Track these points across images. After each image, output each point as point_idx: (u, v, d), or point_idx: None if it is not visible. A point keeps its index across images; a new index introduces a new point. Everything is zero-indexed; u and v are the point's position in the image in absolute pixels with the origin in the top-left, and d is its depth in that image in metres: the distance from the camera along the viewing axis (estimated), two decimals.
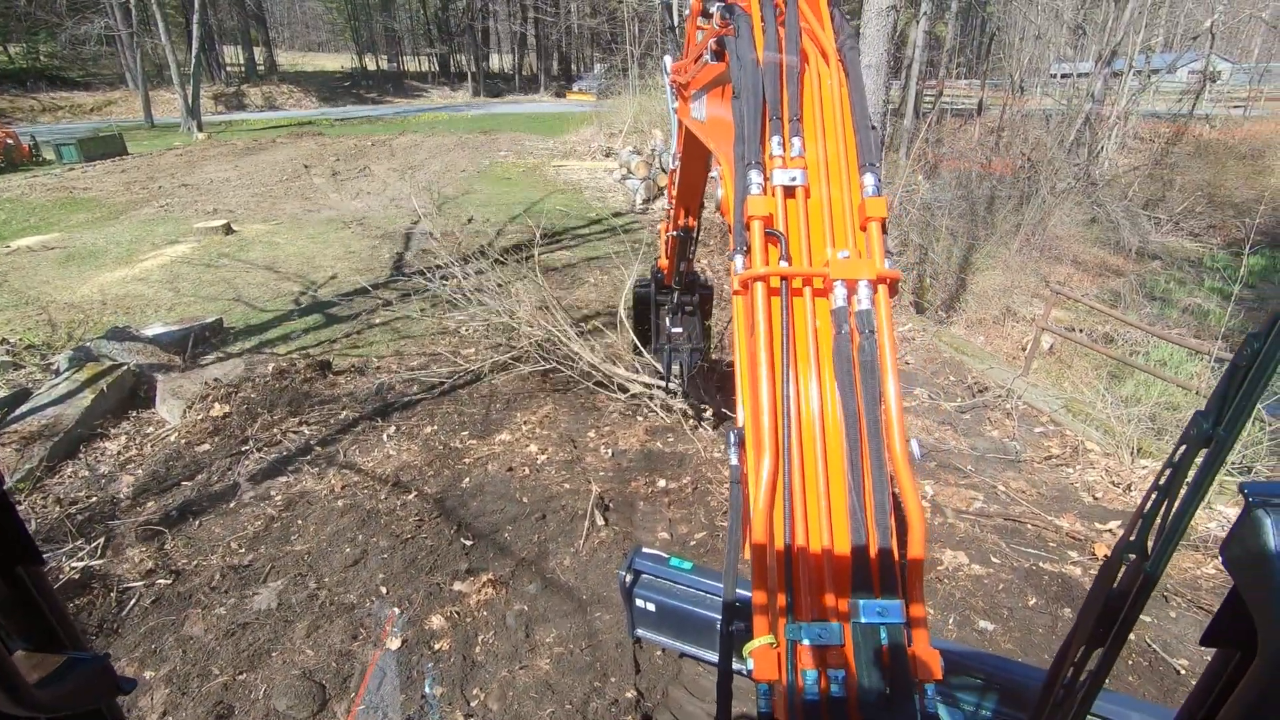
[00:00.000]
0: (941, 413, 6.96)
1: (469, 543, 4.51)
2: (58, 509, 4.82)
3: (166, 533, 4.60)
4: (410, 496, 5.01)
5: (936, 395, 7.36)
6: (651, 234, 11.63)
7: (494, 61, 60.13)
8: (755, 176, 1.66)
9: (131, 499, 5.03)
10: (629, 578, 2.76)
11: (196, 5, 28.33)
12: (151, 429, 6.06)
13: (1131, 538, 1.03)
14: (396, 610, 3.68)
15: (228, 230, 12.61)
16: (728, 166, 1.90)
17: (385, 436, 5.81)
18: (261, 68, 48.67)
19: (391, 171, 18.80)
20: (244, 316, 8.74)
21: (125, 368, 6.49)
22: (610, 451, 5.67)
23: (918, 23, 21.04)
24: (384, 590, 4.07)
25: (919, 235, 14.04)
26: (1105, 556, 1.16)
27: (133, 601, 3.97)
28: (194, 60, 28.73)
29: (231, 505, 4.95)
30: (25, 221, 14.16)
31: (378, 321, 7.49)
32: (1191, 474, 0.91)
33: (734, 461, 1.67)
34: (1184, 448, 0.96)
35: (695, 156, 4.16)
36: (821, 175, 1.72)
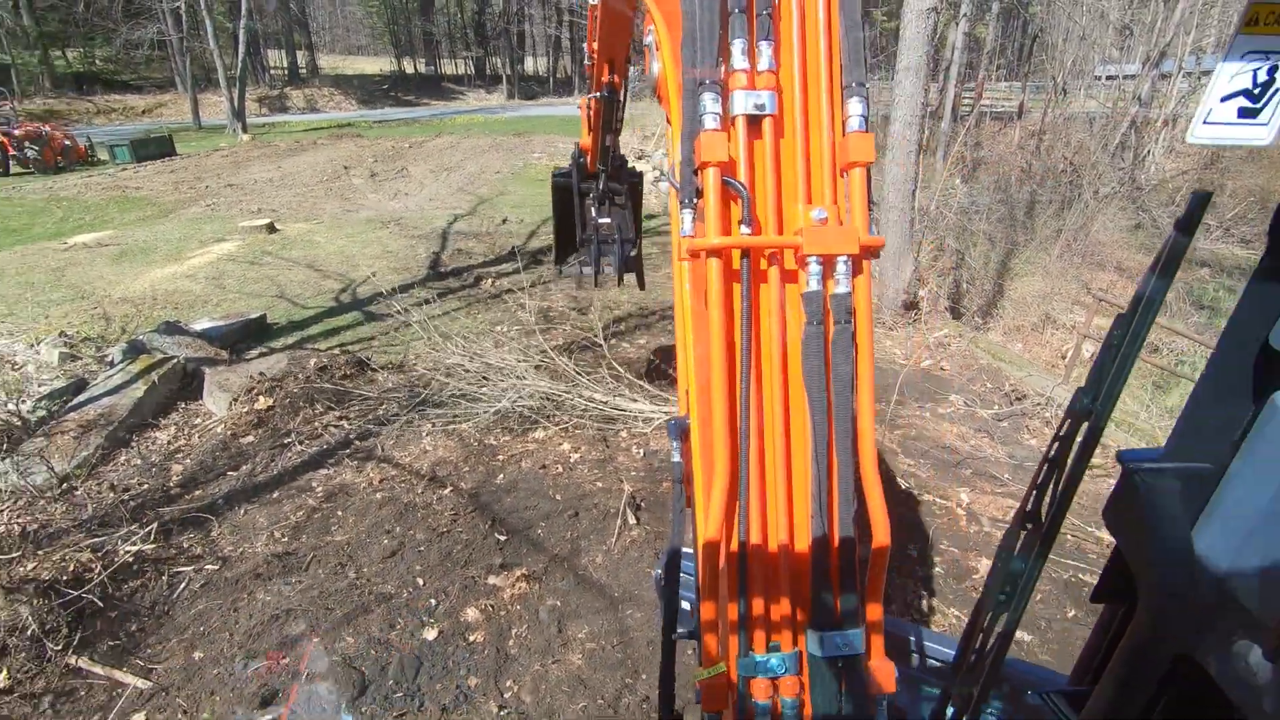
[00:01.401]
0: (978, 420, 6.86)
1: (503, 538, 4.59)
2: (112, 494, 5.03)
3: (213, 520, 4.77)
4: (446, 491, 5.11)
5: (973, 402, 7.25)
6: None
7: (529, 64, 60.74)
8: (710, 102, 1.26)
9: (180, 487, 5.22)
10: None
11: (244, 11, 29.17)
12: (199, 420, 6.27)
13: (1028, 508, 1.08)
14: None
15: (271, 229, 12.97)
16: (673, 66, 1.46)
17: (423, 432, 5.93)
18: (304, 71, 49.90)
19: (428, 173, 19.13)
20: (286, 313, 8.98)
21: (175, 361, 6.73)
22: (642, 451, 5.71)
23: (957, 24, 20.73)
24: (420, 582, 4.16)
25: (956, 240, 13.83)
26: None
27: (183, 585, 4.12)
28: (240, 64, 29.59)
29: (275, 495, 5.11)
30: (81, 219, 14.74)
31: (415, 319, 7.64)
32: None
33: (676, 458, 1.47)
34: (1068, 422, 1.01)
35: None
36: (796, 100, 1.32)
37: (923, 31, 7.65)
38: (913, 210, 8.37)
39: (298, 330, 8.45)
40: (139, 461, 5.57)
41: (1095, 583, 1.02)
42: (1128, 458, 0.87)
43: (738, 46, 1.28)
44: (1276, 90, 0.90)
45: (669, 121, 1.52)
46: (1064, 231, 15.73)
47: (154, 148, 23.12)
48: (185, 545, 4.49)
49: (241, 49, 29.85)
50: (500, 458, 5.59)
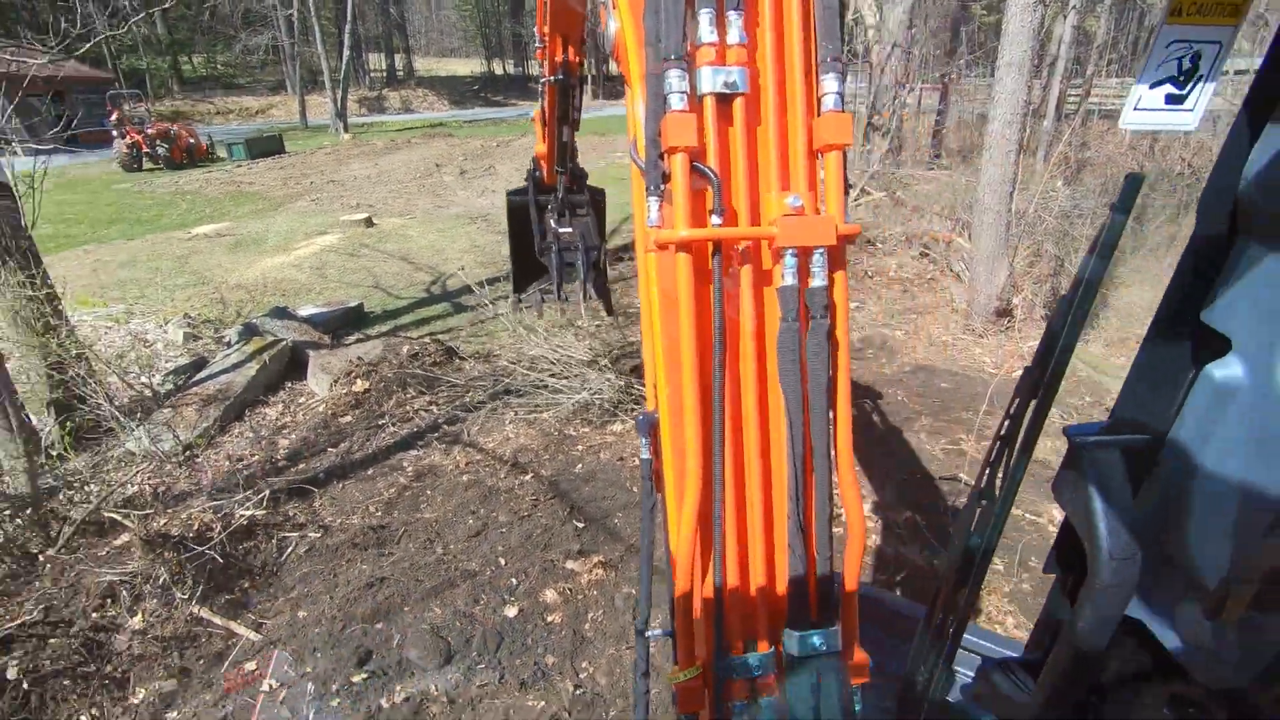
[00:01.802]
0: None
1: (581, 525, 4.72)
2: (228, 463, 5.48)
3: (315, 492, 5.12)
4: (527, 477, 5.29)
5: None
6: None
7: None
8: (677, 79, 1.15)
9: (287, 460, 5.63)
10: None
11: (349, 17, 30.86)
12: (303, 399, 6.73)
13: (981, 486, 1.10)
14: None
15: (368, 223, 13.70)
16: (634, 38, 1.34)
17: (506, 420, 6.16)
18: (400, 73, 52.27)
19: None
20: (381, 302, 9.48)
21: (284, 343, 7.24)
22: None
23: (1065, 17, 19.58)
24: (502, 562, 4.34)
25: (1055, 246, 13.11)
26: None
27: (289, 549, 4.46)
28: (344, 67, 31.32)
29: (369, 472, 5.43)
30: (203, 211, 16.01)
31: (501, 312, 7.93)
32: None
33: (644, 455, 1.48)
34: (1017, 400, 1.04)
35: None
36: (769, 76, 1.23)
37: (1028, 26, 7.31)
38: (1009, 213, 8.01)
39: (391, 319, 8.91)
40: (250, 434, 6.03)
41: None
42: (1073, 432, 0.89)
43: (705, 17, 1.15)
44: (1199, 77, 0.92)
45: (628, 84, 1.40)
46: (1178, 239, 14.64)
47: (266, 146, 24.80)
48: (291, 513, 4.84)
49: (345, 53, 31.61)
50: (579, 448, 5.74)
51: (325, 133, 31.04)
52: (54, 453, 5.47)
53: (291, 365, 7.21)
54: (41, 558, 4.02)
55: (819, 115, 1.22)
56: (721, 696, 1.29)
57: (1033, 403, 1.03)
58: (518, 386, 6.61)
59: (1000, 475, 1.09)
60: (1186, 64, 0.92)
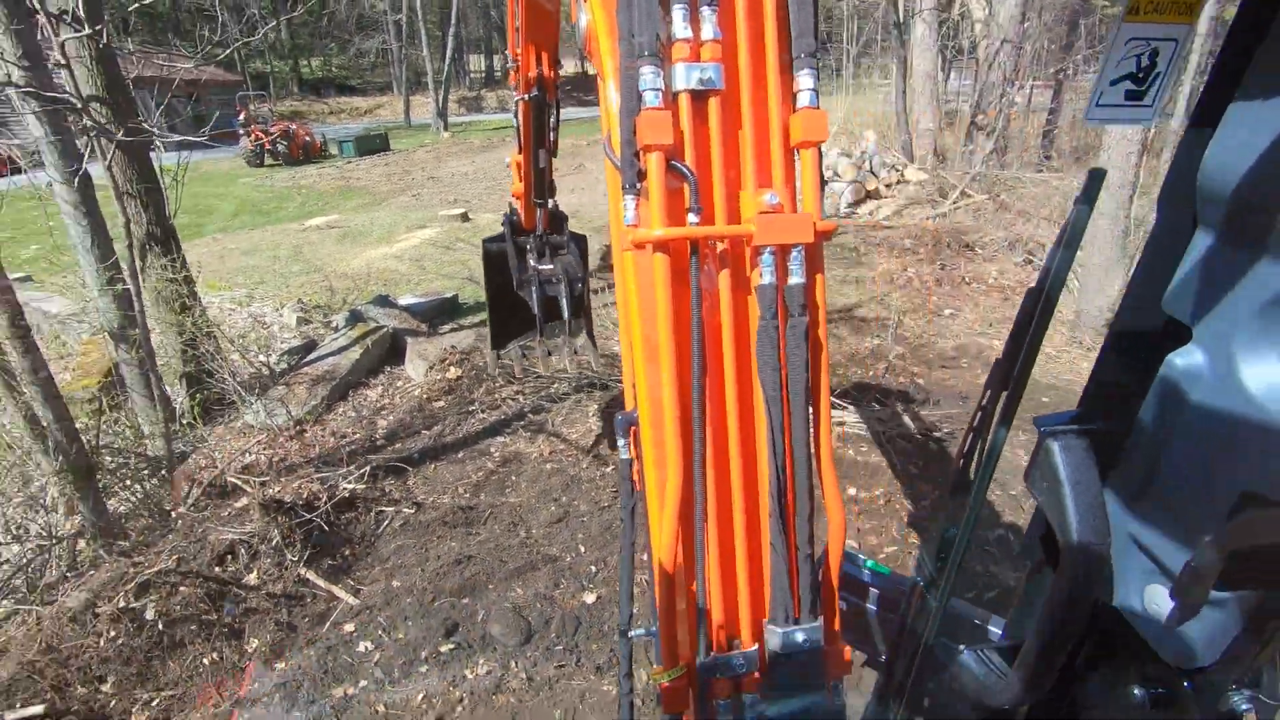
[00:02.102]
0: None
1: None
2: (333, 440, 5.88)
3: (410, 471, 5.42)
4: (608, 469, 5.40)
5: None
6: (856, 237, 11.26)
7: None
8: (651, 76, 1.15)
9: (385, 439, 5.97)
10: None
11: (453, 20, 32.22)
12: (400, 383, 7.11)
13: (955, 479, 1.12)
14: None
15: (464, 218, 14.28)
16: (606, 32, 1.34)
17: (589, 412, 6.30)
18: (498, 74, 54.05)
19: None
20: (474, 294, 9.88)
21: (385, 330, 7.67)
22: None
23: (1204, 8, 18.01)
24: (582, 549, 4.46)
25: None
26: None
27: (385, 523, 4.74)
28: (446, 68, 32.71)
29: (459, 455, 5.69)
30: (315, 205, 17.14)
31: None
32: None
33: (624, 455, 1.48)
34: (988, 392, 1.05)
35: None
36: (745, 72, 1.22)
37: None
38: (1128, 219, 7.47)
39: (483, 310, 9.26)
40: (353, 414, 6.44)
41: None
42: (1042, 422, 0.92)
43: (679, 12, 1.14)
44: (1157, 74, 0.95)
45: (600, 77, 1.40)
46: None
47: (372, 144, 26.26)
48: (387, 489, 5.15)
49: (448, 55, 33.03)
50: None
51: (427, 131, 32.54)
52: (185, 421, 6.04)
53: (391, 351, 7.63)
54: (174, 514, 4.46)
55: (795, 112, 1.22)
56: (705, 695, 1.30)
57: (1004, 394, 1.05)
58: (601, 380, 6.74)
59: (974, 466, 1.12)
60: (1145, 61, 0.94)
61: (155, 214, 6.01)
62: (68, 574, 4.13)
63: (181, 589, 3.75)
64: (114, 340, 5.95)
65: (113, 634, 3.46)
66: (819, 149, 1.24)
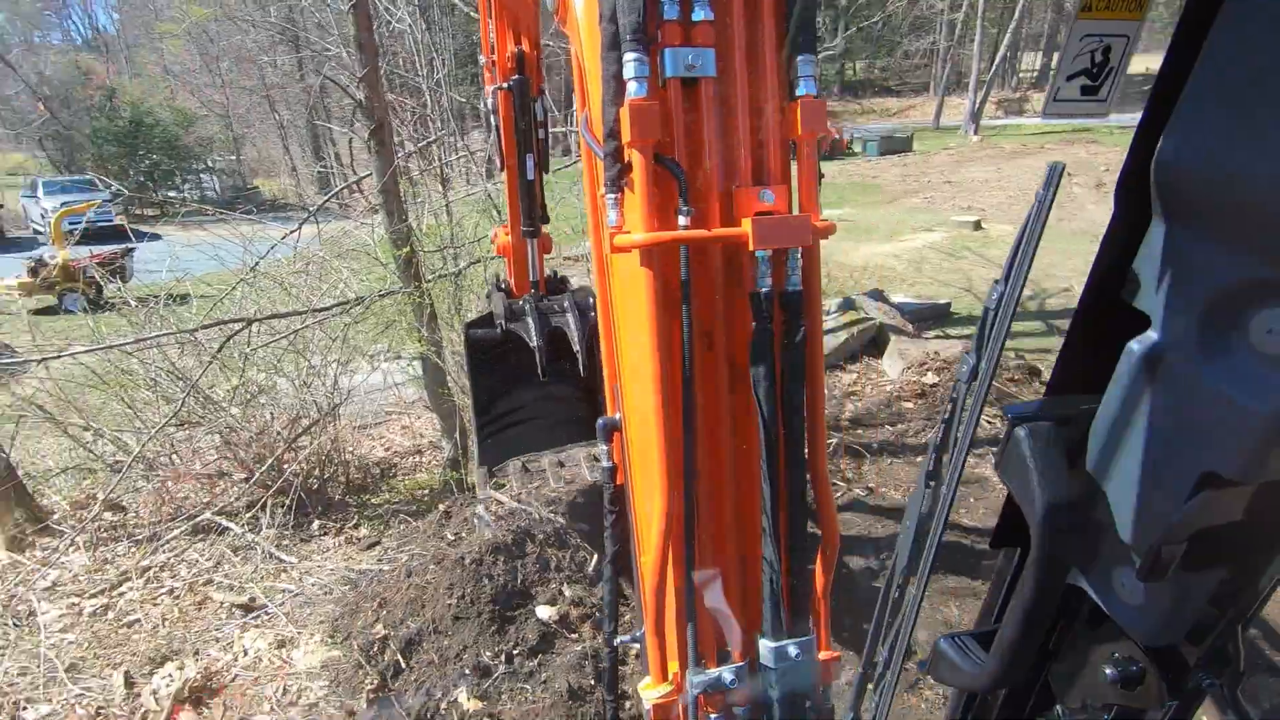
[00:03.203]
0: None
1: None
2: None
3: (866, 457, 5.61)
4: None
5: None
6: None
7: None
8: (636, 63, 1.04)
9: (849, 421, 6.29)
10: None
11: (1015, 16, 29.81)
12: (875, 375, 7.32)
13: (929, 468, 1.12)
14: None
15: (976, 226, 13.48)
16: (587, 13, 1.18)
17: None
18: (1052, 70, 48.10)
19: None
20: (969, 306, 9.36)
21: (873, 322, 7.94)
22: None
23: None
24: None
25: None
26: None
27: (838, 495, 5.07)
28: (993, 68, 30.65)
29: (916, 459, 5.63)
30: (830, 197, 18.41)
31: None
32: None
33: (605, 462, 1.48)
34: (958, 383, 1.05)
35: None
36: (736, 57, 1.11)
37: None
38: None
39: (972, 324, 8.73)
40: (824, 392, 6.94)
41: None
42: (1011, 411, 0.89)
43: None
44: (1111, 69, 1.01)
45: (574, 50, 1.28)
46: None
47: (895, 145, 26.61)
48: (842, 467, 5.45)
49: (1000, 52, 30.82)
50: None
51: (954, 134, 31.31)
52: None
53: (873, 343, 7.88)
54: None
55: (791, 101, 1.13)
56: (696, 711, 1.28)
57: (973, 384, 1.04)
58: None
59: (946, 458, 1.09)
60: (1099, 57, 1.09)
61: None
62: None
63: None
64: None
65: None
66: (817, 142, 1.16)
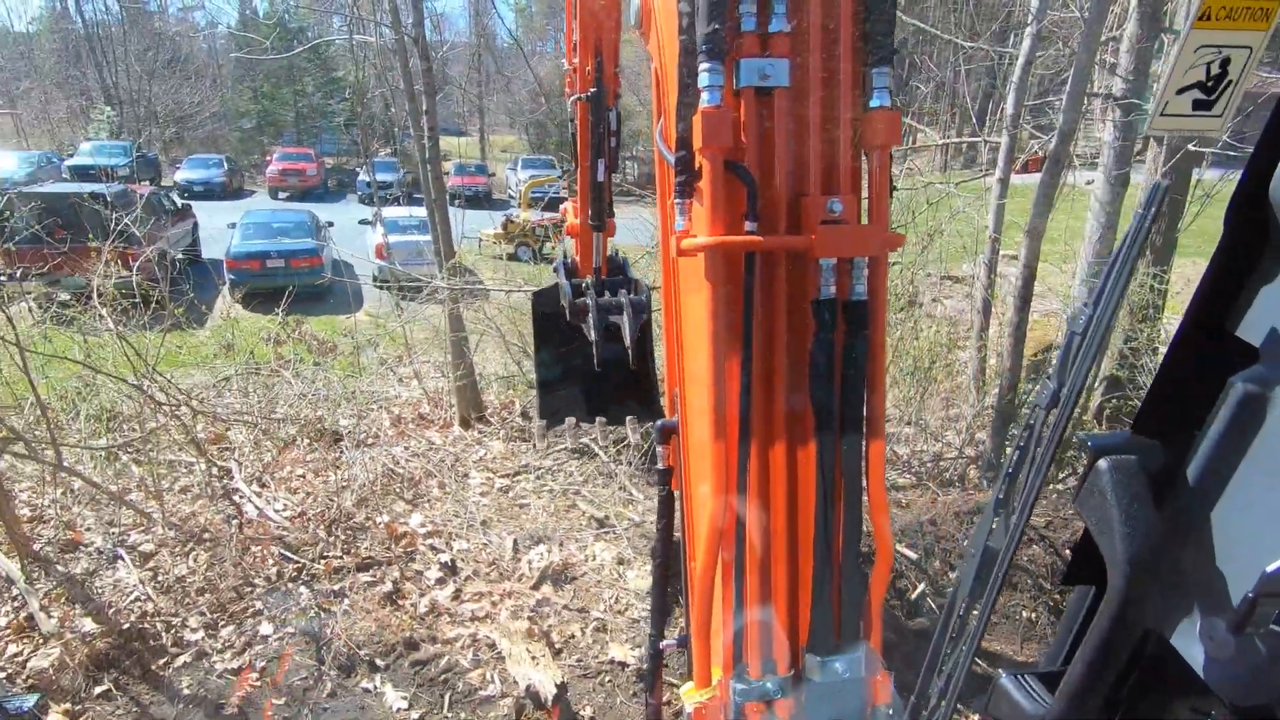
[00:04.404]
0: None
1: None
2: None
3: None
4: None
5: None
6: None
7: None
8: (710, 72, 1.03)
9: None
10: None
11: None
12: None
13: (1000, 496, 1.11)
14: None
15: None
16: (667, 23, 1.24)
17: None
18: None
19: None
20: None
21: None
22: None
23: None
24: None
25: None
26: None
27: None
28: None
29: None
30: None
31: None
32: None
33: (660, 465, 1.54)
34: (1036, 409, 1.04)
35: None
36: (811, 68, 1.08)
37: None
38: None
39: None
40: None
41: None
42: (1094, 442, 0.87)
43: (747, 3, 1.04)
44: (1228, 82, 0.74)
45: (654, 61, 1.34)
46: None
47: None
48: None
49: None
50: None
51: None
52: (1085, 418, 6.32)
53: None
54: (1049, 489, 4.90)
55: (865, 112, 1.11)
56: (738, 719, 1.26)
57: (1053, 413, 1.00)
58: None
59: (1020, 487, 1.06)
60: (1215, 69, 0.66)
61: (1168, 225, 6.12)
62: (950, 476, 5.23)
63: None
64: (1068, 324, 6.64)
65: None
66: (889, 154, 1.14)
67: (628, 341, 3.14)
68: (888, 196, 1.15)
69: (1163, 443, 0.89)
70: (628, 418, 4.28)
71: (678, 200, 1.15)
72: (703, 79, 1.05)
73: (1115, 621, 0.86)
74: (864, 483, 1.21)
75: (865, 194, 1.17)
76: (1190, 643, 0.82)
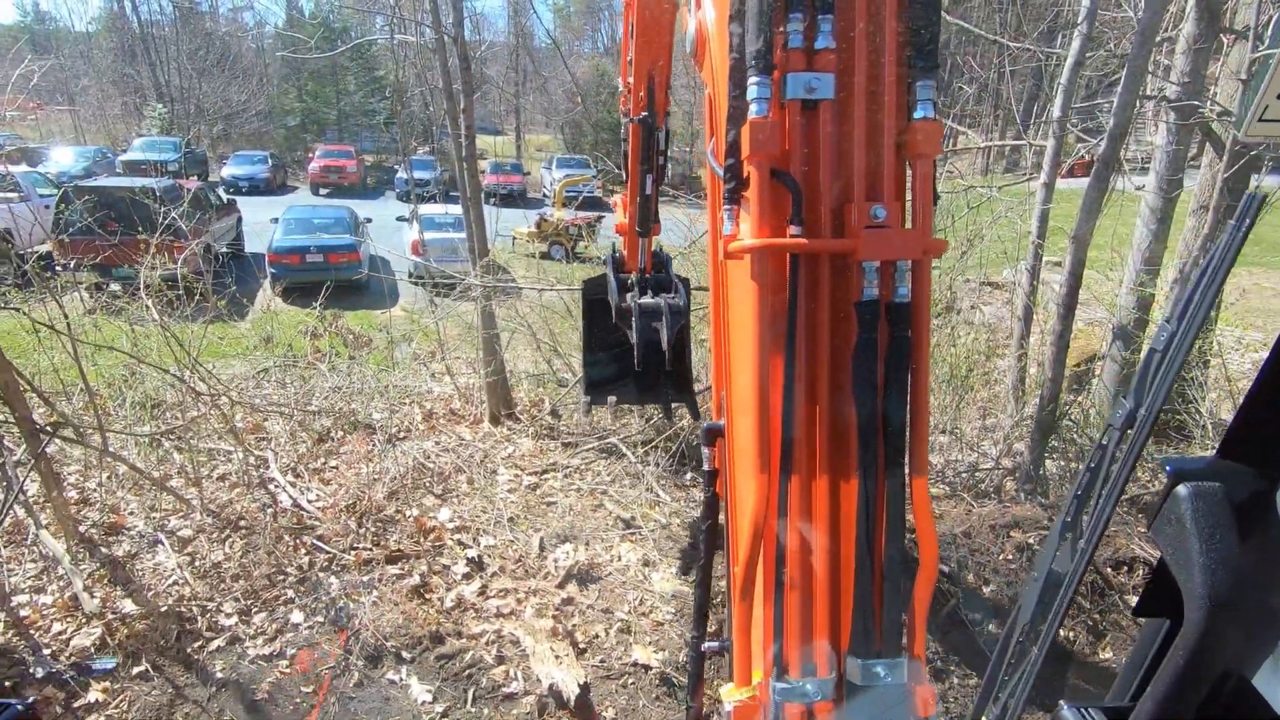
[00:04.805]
0: None
1: None
2: None
3: None
4: None
5: None
6: None
7: None
8: (759, 85, 1.09)
9: None
10: None
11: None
12: None
13: (1068, 518, 1.07)
14: None
15: None
16: (717, 39, 1.33)
17: None
18: None
19: None
20: None
21: None
22: None
23: None
24: None
25: None
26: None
27: None
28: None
29: None
30: None
31: None
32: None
33: (706, 466, 1.54)
34: (1110, 429, 1.00)
35: None
36: (856, 81, 1.12)
37: None
38: None
39: None
40: None
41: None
42: (1175, 466, 0.83)
43: (794, 22, 1.10)
44: None
45: (708, 87, 1.41)
46: None
47: None
48: None
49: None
50: None
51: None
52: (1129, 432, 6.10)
53: None
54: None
55: (909, 122, 1.15)
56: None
57: (1129, 433, 0.96)
58: None
59: (1089, 509, 1.02)
60: None
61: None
62: (985, 488, 5.10)
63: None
64: (1114, 335, 6.42)
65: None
66: (933, 162, 1.17)
67: (664, 346, 3.32)
68: (931, 204, 1.17)
69: (1251, 470, 0.84)
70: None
71: (726, 206, 1.20)
72: (751, 91, 1.10)
73: (1192, 659, 0.81)
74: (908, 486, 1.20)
75: (909, 200, 1.20)
76: (1275, 686, 0.79)
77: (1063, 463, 5.57)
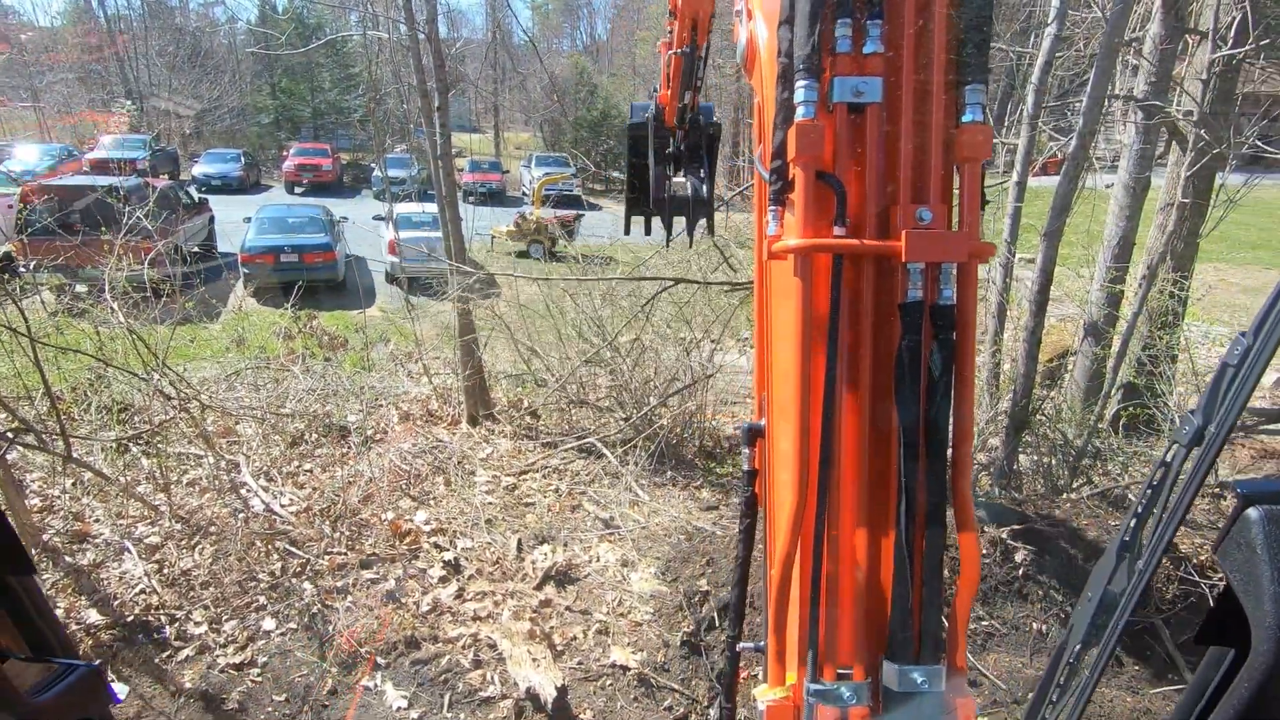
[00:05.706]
0: None
1: None
2: None
3: None
4: None
5: None
6: None
7: None
8: (805, 89, 1.10)
9: None
10: None
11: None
12: None
13: (1126, 537, 1.04)
14: None
15: None
16: (767, 49, 1.32)
17: None
18: None
19: None
20: None
21: None
22: None
23: None
24: None
25: None
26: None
27: None
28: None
29: None
30: None
31: None
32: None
33: (746, 466, 1.56)
34: (1176, 447, 0.96)
35: None
36: (904, 84, 1.12)
37: None
38: None
39: None
40: None
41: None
42: (1244, 488, 0.79)
43: (843, 27, 1.10)
44: None
45: (760, 101, 1.40)
46: None
47: None
48: None
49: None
50: None
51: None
52: (1099, 426, 6.21)
53: None
54: (1066, 496, 4.81)
55: (958, 126, 1.13)
56: None
57: (1195, 450, 0.92)
58: None
59: (1151, 528, 0.99)
60: None
61: (1190, 230, 5.99)
62: None
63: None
64: (1085, 331, 6.52)
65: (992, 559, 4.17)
66: (981, 165, 1.15)
67: (688, 230, 3.56)
68: (980, 208, 1.17)
69: None
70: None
71: (772, 207, 1.21)
72: (798, 94, 1.11)
73: (1258, 692, 0.77)
74: (949, 490, 1.19)
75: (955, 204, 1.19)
76: None
77: (1035, 457, 5.64)
